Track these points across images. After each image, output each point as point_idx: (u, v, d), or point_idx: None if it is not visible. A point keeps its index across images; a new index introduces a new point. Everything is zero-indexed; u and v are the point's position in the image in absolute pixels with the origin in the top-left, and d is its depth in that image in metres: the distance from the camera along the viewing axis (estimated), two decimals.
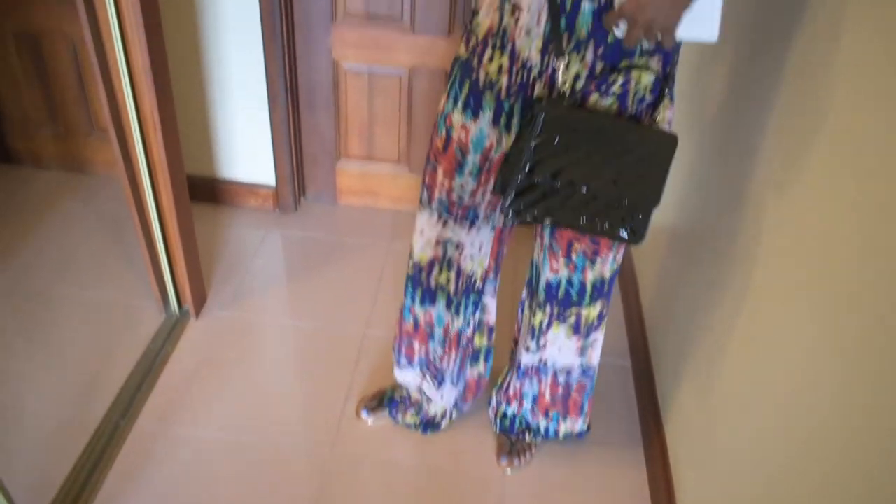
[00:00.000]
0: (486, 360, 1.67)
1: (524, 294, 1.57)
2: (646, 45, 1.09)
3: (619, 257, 1.37)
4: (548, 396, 1.61)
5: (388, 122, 2.40)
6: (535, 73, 1.14)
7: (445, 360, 1.61)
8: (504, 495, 1.65)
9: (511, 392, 1.67)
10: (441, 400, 1.69)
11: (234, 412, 1.80)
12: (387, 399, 1.79)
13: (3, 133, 2.63)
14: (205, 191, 2.54)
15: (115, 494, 1.59)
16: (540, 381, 1.59)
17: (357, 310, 2.14)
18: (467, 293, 1.51)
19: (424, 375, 1.65)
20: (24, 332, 1.98)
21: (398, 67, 2.27)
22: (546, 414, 1.65)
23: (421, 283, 1.51)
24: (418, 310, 1.55)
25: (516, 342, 1.65)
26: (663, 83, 1.13)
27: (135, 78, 1.62)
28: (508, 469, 1.69)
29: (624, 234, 1.18)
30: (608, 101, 1.14)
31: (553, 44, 1.08)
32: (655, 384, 1.81)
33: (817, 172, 1.06)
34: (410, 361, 1.65)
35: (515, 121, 1.22)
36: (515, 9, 1.09)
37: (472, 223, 1.40)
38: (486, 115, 1.23)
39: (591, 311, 1.44)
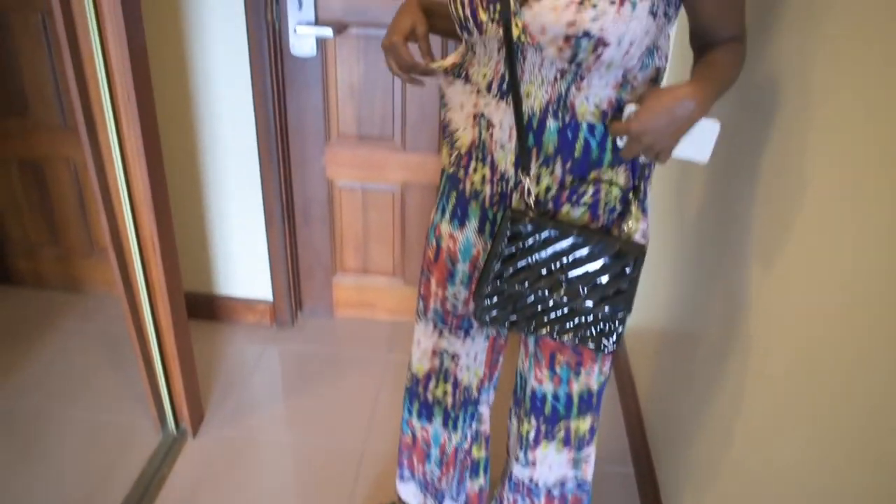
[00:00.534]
0: (485, 471, 1.65)
1: (512, 402, 1.56)
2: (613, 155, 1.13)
3: (606, 369, 1.35)
4: None
5: (382, 236, 2.46)
6: (511, 184, 1.18)
7: (444, 480, 1.59)
8: None
9: None
10: None
11: None
12: None
13: (5, 254, 2.69)
14: (203, 308, 2.57)
15: None
16: (533, 502, 1.56)
17: (356, 424, 2.12)
18: (465, 406, 1.51)
19: (425, 497, 1.63)
20: (20, 451, 1.95)
21: (391, 184, 2.35)
22: None
23: (419, 396, 1.51)
24: (416, 423, 1.54)
25: (508, 451, 1.63)
26: (632, 194, 1.16)
27: (135, 203, 1.68)
28: None
29: (591, 345, 1.19)
30: (580, 211, 1.16)
31: (521, 160, 1.12)
32: (660, 492, 1.77)
33: (800, 263, 1.09)
34: (413, 475, 1.63)
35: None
36: (490, 125, 1.15)
37: (467, 333, 1.42)
38: (472, 224, 1.28)
39: (580, 425, 1.41)
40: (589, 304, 1.15)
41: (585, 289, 1.14)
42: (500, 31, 1.05)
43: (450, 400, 1.49)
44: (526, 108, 1.09)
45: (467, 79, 1.17)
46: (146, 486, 1.87)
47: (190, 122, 2.23)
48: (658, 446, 1.85)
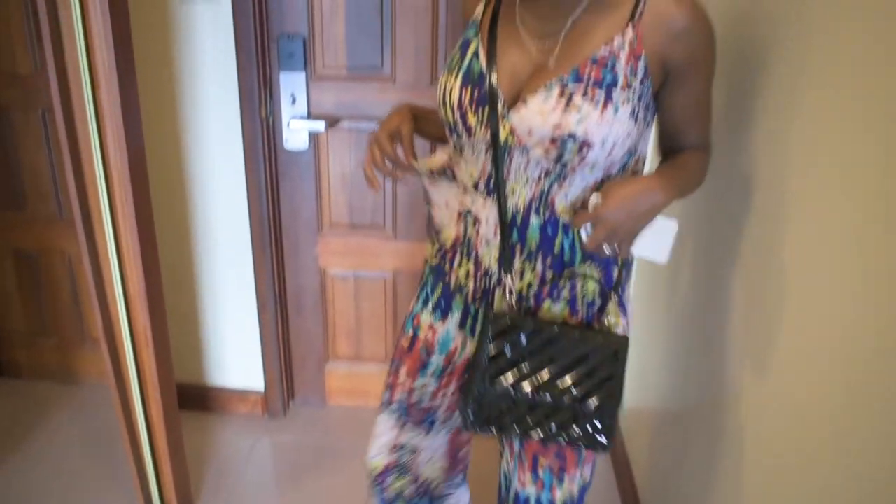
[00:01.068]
0: None
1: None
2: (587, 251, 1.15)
3: (587, 473, 1.33)
4: None
5: (374, 324, 2.47)
6: (494, 280, 1.20)
7: None
8: None
9: None
10: None
11: None
12: None
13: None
14: (194, 399, 2.54)
15: None
16: None
17: None
18: (429, 500, 1.48)
19: None
20: None
21: (382, 271, 2.38)
22: None
23: (380, 492, 1.47)
24: None
25: None
26: (610, 291, 1.18)
27: (129, 296, 1.70)
28: None
29: (583, 444, 1.18)
30: (560, 307, 1.18)
31: (503, 258, 1.15)
32: None
33: (782, 342, 1.11)
34: None
35: (479, 327, 1.26)
36: (476, 221, 1.18)
37: (430, 427, 1.41)
38: (455, 317, 1.29)
39: None
40: (573, 398, 1.15)
41: (569, 384, 1.15)
42: (488, 134, 1.10)
43: (410, 490, 1.46)
44: (511, 204, 1.12)
45: (453, 177, 1.21)
46: None
47: (184, 214, 2.27)
48: None
